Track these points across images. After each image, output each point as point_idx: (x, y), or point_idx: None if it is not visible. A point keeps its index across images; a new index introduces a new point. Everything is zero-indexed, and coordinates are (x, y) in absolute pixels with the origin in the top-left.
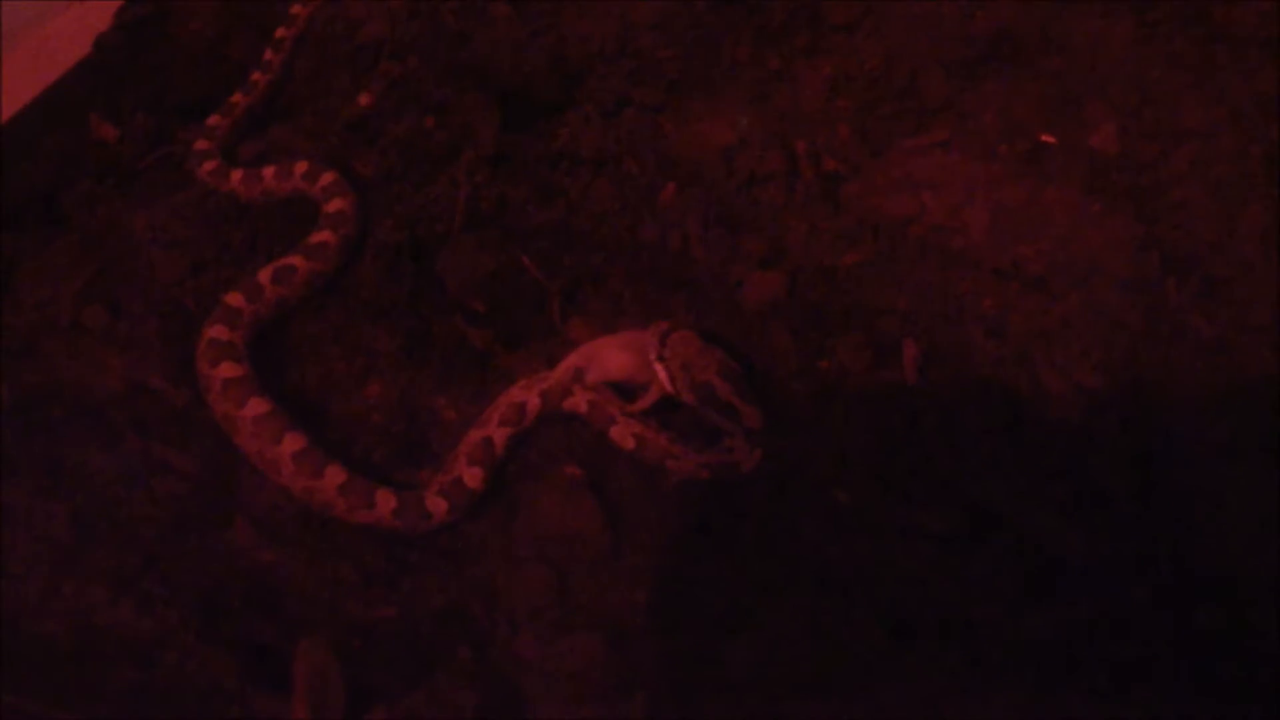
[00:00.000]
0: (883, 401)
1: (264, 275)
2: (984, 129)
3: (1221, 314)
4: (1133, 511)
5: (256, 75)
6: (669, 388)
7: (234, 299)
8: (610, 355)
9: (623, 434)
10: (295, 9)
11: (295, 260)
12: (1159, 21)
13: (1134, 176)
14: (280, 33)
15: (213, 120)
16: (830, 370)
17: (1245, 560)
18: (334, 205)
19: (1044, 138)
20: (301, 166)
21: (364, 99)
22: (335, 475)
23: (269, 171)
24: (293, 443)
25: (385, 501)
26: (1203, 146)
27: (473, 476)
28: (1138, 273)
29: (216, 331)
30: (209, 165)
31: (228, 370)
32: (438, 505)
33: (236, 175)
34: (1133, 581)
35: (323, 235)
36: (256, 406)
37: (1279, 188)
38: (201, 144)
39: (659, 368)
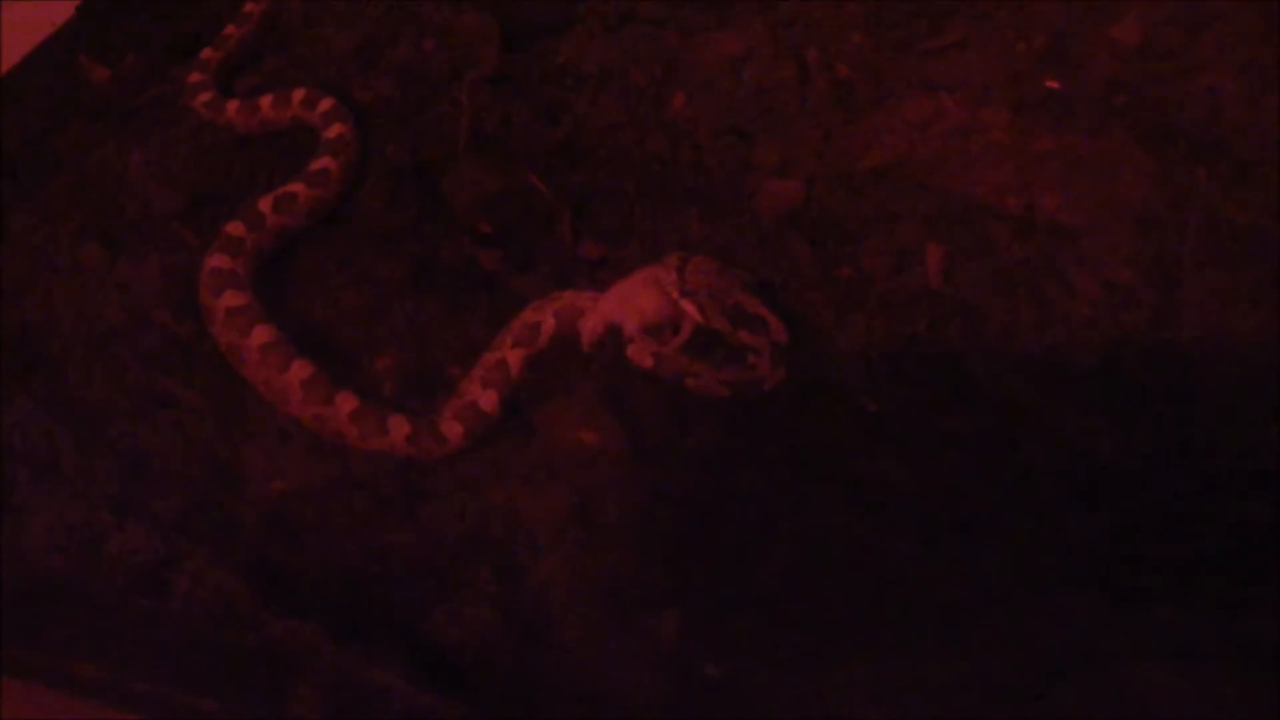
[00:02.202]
0: (907, 307)
1: (265, 204)
2: (1000, 27)
3: (1254, 200)
4: (1170, 408)
5: (250, 6)
6: (700, 318)
7: (235, 228)
8: (641, 300)
9: (640, 352)
10: None
11: (296, 188)
12: None
13: (1158, 64)
14: None
15: (206, 54)
16: (852, 278)
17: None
18: (334, 131)
19: (1049, 84)
20: (299, 94)
21: None
22: (346, 402)
23: (266, 101)
24: (301, 370)
25: (399, 427)
26: (1228, 30)
27: (488, 400)
28: (1165, 163)
29: (218, 261)
30: (204, 97)
31: (231, 299)
32: (453, 429)
33: (232, 106)
34: (1176, 479)
35: (323, 161)
36: (262, 335)
37: None
38: (195, 77)
39: (686, 303)
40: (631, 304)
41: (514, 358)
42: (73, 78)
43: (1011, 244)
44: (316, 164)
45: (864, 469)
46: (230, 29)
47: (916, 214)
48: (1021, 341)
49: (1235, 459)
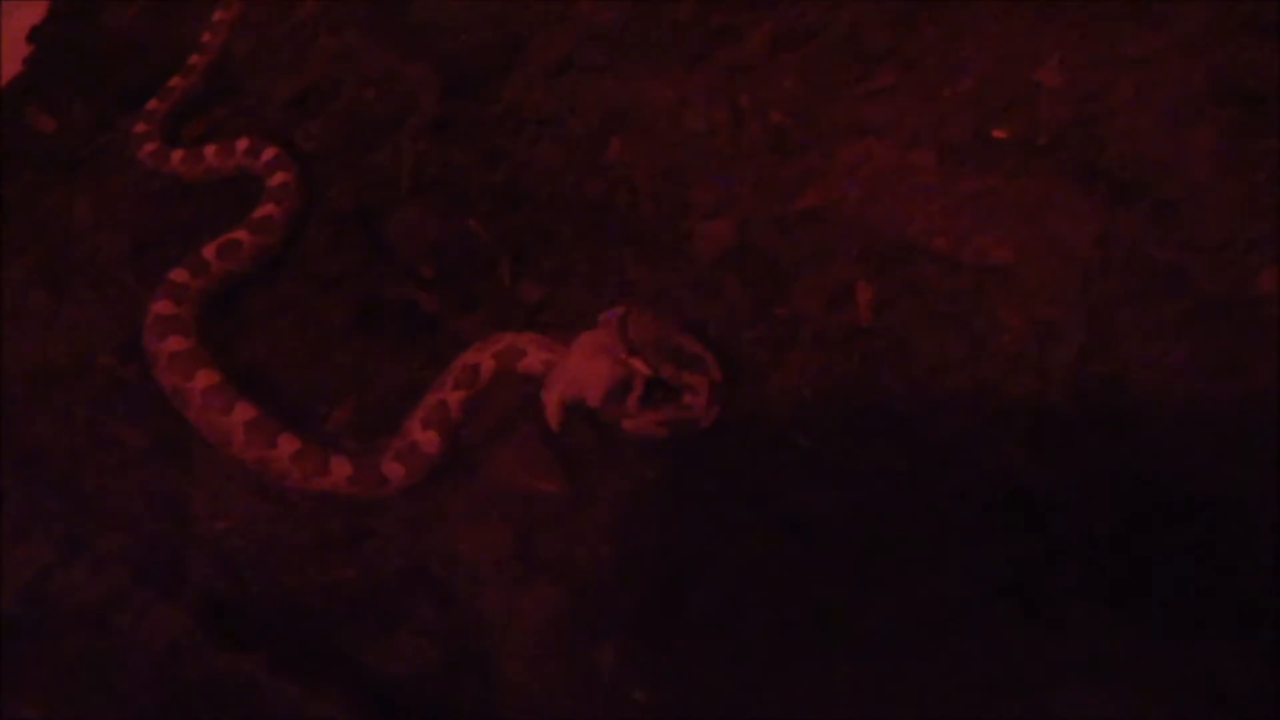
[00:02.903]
0: (839, 344)
1: (209, 250)
2: (928, 72)
3: (1173, 238)
4: (1096, 440)
5: (194, 58)
6: (650, 371)
7: (179, 275)
8: (595, 370)
9: None
10: None
11: (240, 234)
12: None
13: (1079, 107)
14: (218, 14)
15: (152, 104)
16: (785, 316)
17: (1209, 480)
18: (277, 179)
19: (996, 133)
20: (243, 143)
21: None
22: (289, 443)
23: (210, 150)
24: (244, 412)
25: (340, 468)
26: (1146, 74)
27: (429, 440)
28: (1088, 202)
29: (162, 306)
30: (149, 147)
31: (175, 344)
32: (394, 470)
33: (177, 155)
34: (1101, 508)
35: (267, 209)
36: (206, 378)
37: (1225, 111)
38: (141, 127)
39: (635, 361)
40: (588, 376)
41: (454, 399)
42: (21, 128)
43: (941, 282)
44: (260, 211)
45: (796, 503)
46: (175, 80)
47: (848, 254)
48: (951, 377)
49: (1157, 488)
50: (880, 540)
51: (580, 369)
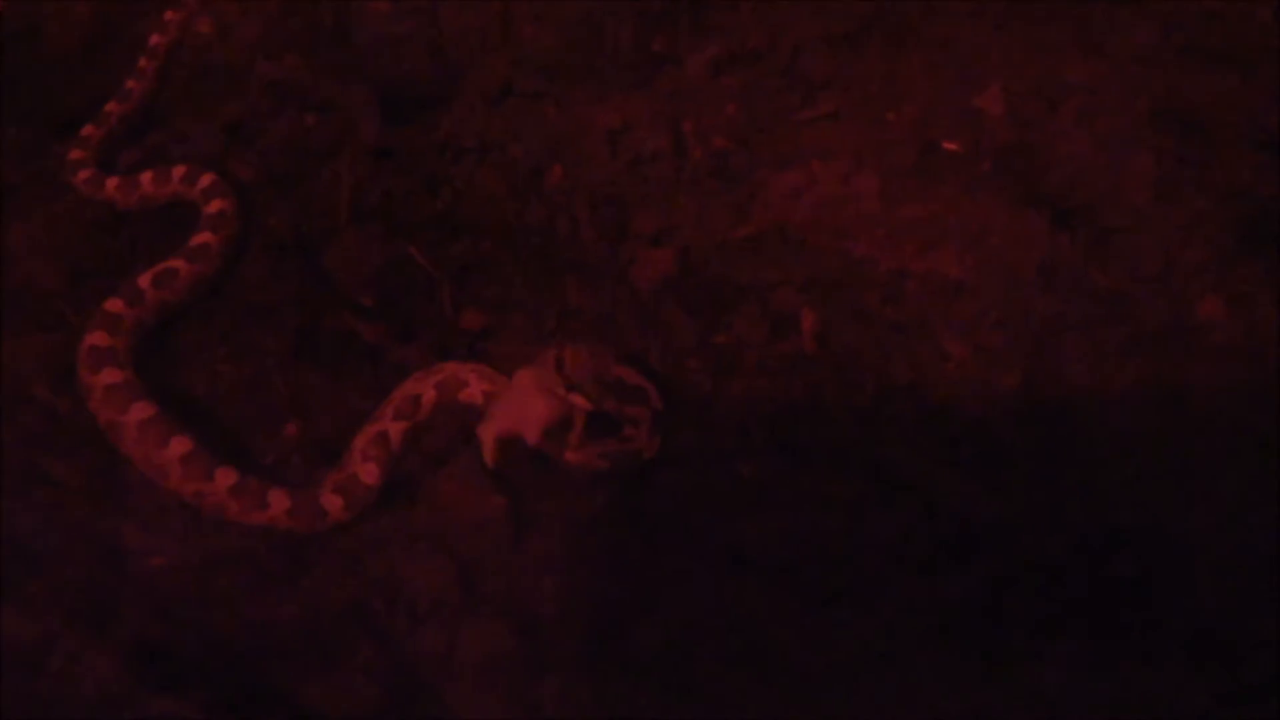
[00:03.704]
0: (782, 373)
1: (144, 280)
2: (870, 98)
3: (1115, 266)
4: (1040, 468)
5: (131, 83)
6: (590, 406)
7: (114, 305)
8: (534, 409)
9: None
10: (169, 15)
11: (177, 264)
12: None
13: (1021, 133)
14: (155, 39)
15: (87, 130)
16: (728, 344)
17: (1152, 508)
18: (214, 206)
19: (947, 145)
20: (180, 170)
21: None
22: (226, 477)
23: (146, 177)
24: (180, 445)
25: (279, 501)
26: (1087, 101)
27: (368, 472)
28: (1030, 230)
29: (97, 338)
30: (84, 174)
31: (109, 376)
32: (333, 503)
33: (112, 182)
34: (1044, 538)
35: (204, 237)
36: (141, 411)
37: (1166, 138)
38: (76, 154)
39: (575, 397)
40: (526, 414)
41: (395, 430)
42: None
43: (884, 308)
44: (197, 239)
45: (741, 534)
46: (112, 105)
47: (791, 280)
48: (895, 404)
49: (1100, 518)
50: (824, 572)
51: (518, 407)
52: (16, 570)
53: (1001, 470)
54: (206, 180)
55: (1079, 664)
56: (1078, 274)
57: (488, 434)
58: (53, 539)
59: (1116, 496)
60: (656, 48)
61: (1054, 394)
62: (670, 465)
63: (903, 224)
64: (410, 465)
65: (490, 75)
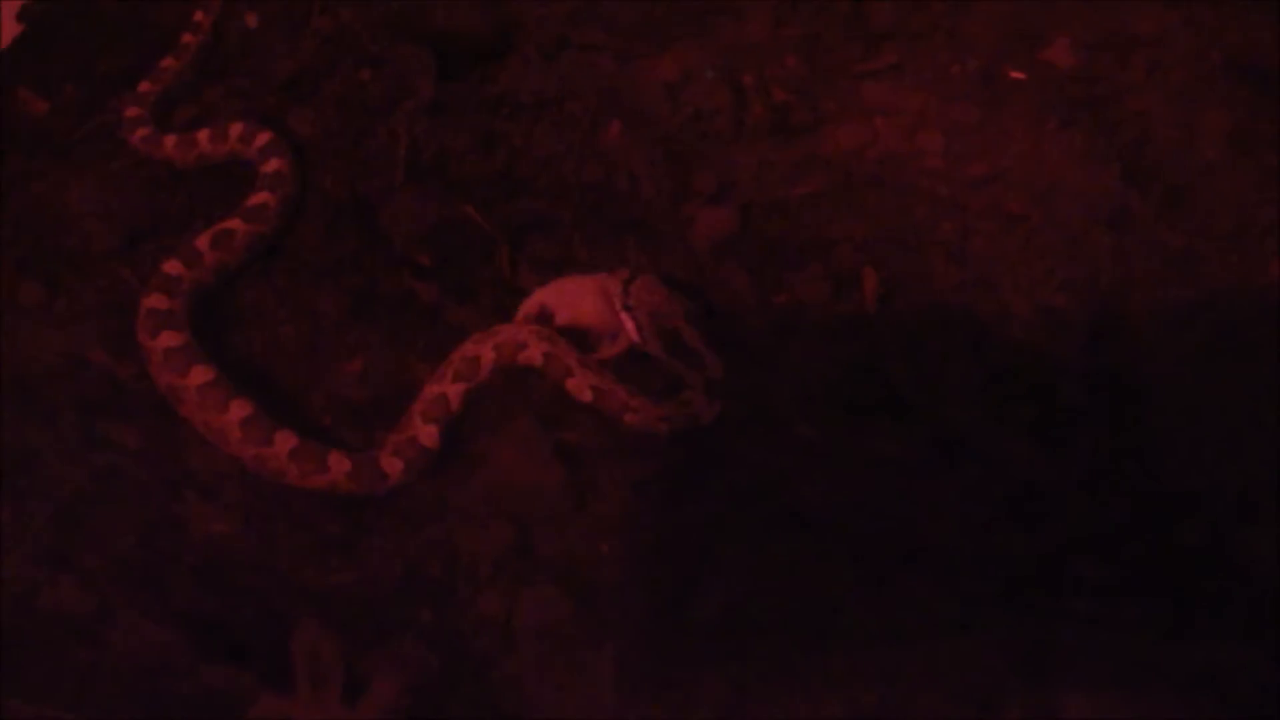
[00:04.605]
0: (843, 333)
1: (202, 241)
2: (934, 50)
3: (1186, 223)
4: (1104, 430)
5: (187, 37)
6: (635, 337)
7: (172, 266)
8: (582, 298)
9: (579, 386)
10: None
11: (234, 224)
12: None
13: (1089, 89)
14: None
15: (144, 87)
16: (788, 305)
17: (1220, 473)
18: (271, 165)
19: (1012, 74)
20: (237, 128)
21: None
22: (286, 440)
23: (203, 135)
24: (240, 409)
25: (339, 464)
26: (1158, 53)
27: (428, 435)
28: (1099, 187)
29: (155, 301)
30: (142, 132)
31: (168, 339)
32: (393, 465)
33: (170, 141)
34: (1108, 501)
35: (261, 196)
36: (200, 374)
37: (1240, 89)
38: (133, 111)
39: (625, 317)
40: (571, 299)
41: (454, 392)
42: (12, 110)
43: (947, 269)
44: (255, 199)
45: (801, 496)
46: (168, 61)
47: (852, 240)
48: (957, 366)
49: (1166, 482)
50: (884, 534)
51: (577, 293)
52: (75, 540)
53: (1065, 432)
54: (263, 138)
55: (1144, 632)
56: (1147, 231)
57: (532, 298)
58: (113, 505)
59: (1184, 461)
60: None
61: (1120, 356)
62: (729, 426)
63: (967, 181)
64: (468, 427)
65: (547, 26)
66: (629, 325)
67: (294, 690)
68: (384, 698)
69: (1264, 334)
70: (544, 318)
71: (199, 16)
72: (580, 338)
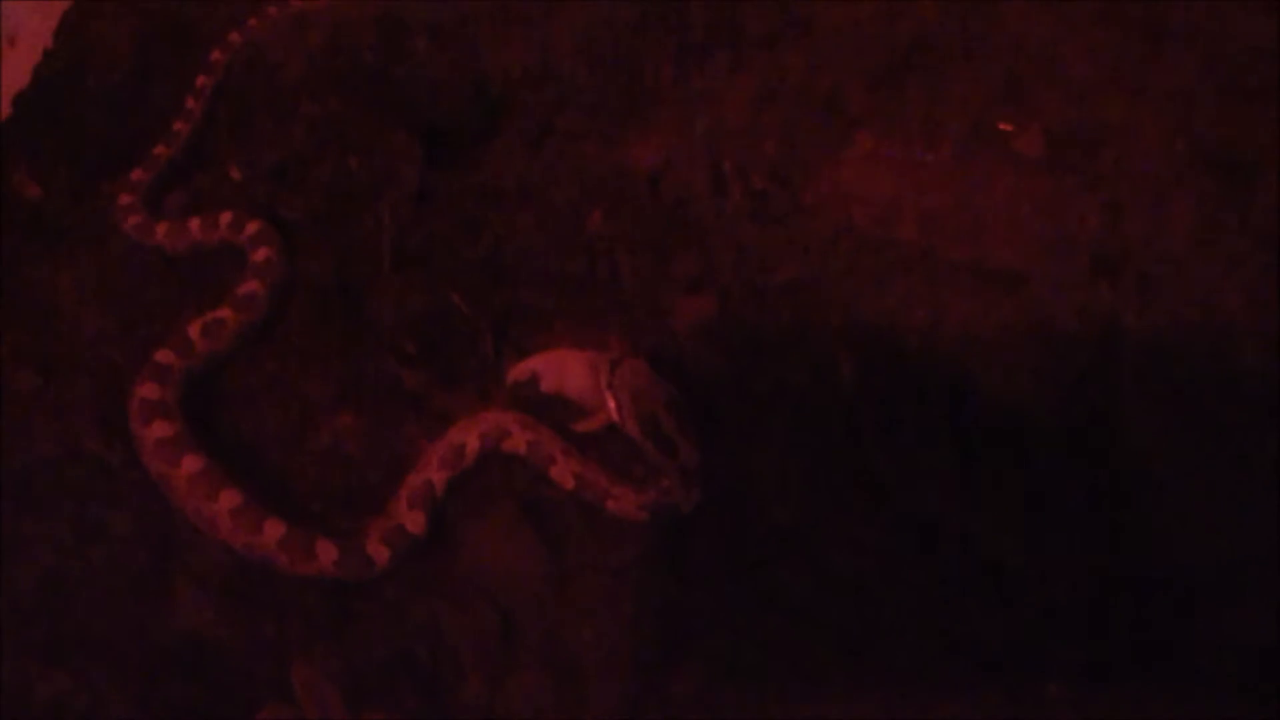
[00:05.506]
0: (820, 417)
1: (193, 329)
2: (909, 136)
3: (1154, 311)
4: (1076, 512)
5: (179, 124)
6: (615, 417)
7: (164, 356)
8: (570, 369)
9: (562, 473)
10: (215, 55)
11: (224, 313)
12: (1077, 17)
13: (1060, 179)
14: (201, 80)
15: (136, 174)
16: (766, 388)
17: (1192, 554)
18: (261, 254)
19: (1001, 125)
20: (227, 216)
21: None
22: (274, 529)
23: (194, 223)
24: (230, 499)
25: (326, 552)
26: (1127, 144)
27: (414, 521)
28: (1069, 274)
29: (147, 390)
30: (134, 219)
31: (160, 429)
32: (380, 552)
33: (162, 228)
34: (1081, 582)
35: (251, 285)
36: (191, 464)
37: (1206, 180)
38: (125, 198)
39: (608, 395)
40: (560, 370)
41: (439, 478)
42: (4, 193)
43: (922, 352)
44: (244, 288)
45: (778, 579)
46: (160, 148)
47: (829, 325)
48: (932, 449)
49: (1141, 562)
50: (860, 616)
51: (567, 363)
52: (68, 631)
53: (1039, 514)
54: (253, 227)
55: (1115, 711)
56: (1116, 320)
57: (524, 364)
58: (104, 596)
59: (1158, 541)
60: (696, 84)
61: (1094, 439)
62: (708, 510)
63: (939, 270)
64: (454, 513)
65: (530, 114)
66: (610, 404)
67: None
68: None
69: (1236, 419)
70: (532, 383)
71: (190, 103)
72: (563, 407)
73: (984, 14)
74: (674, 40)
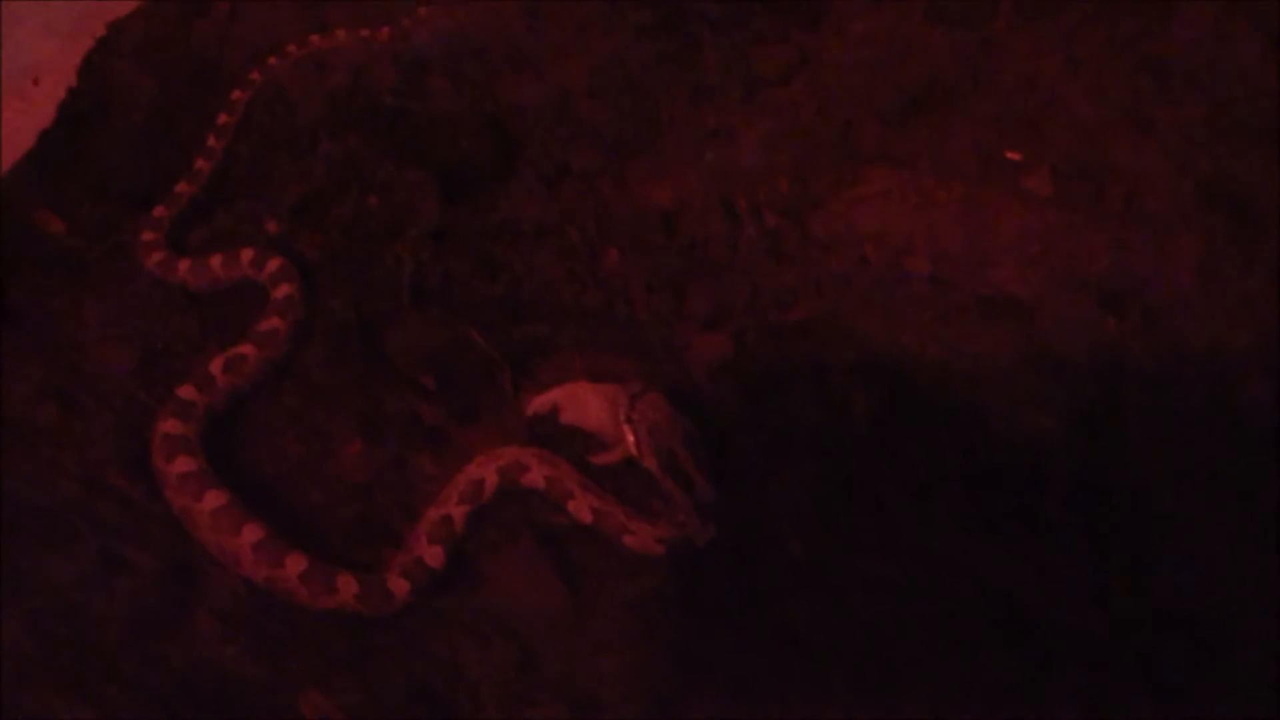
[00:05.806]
0: (835, 453)
1: (215, 365)
2: (920, 174)
3: (1161, 347)
4: (1088, 548)
5: (201, 163)
6: (632, 450)
7: (186, 391)
8: (590, 402)
9: (580, 508)
10: (236, 94)
11: (246, 349)
12: (1085, 57)
13: (1068, 216)
14: (223, 118)
15: (158, 211)
16: (781, 425)
17: (1203, 590)
18: (281, 291)
19: (1009, 154)
20: (248, 253)
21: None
22: (296, 563)
23: (216, 260)
24: (252, 533)
25: (347, 586)
26: (1135, 183)
27: (433, 555)
28: (1077, 309)
29: (170, 425)
30: (156, 256)
31: (183, 464)
32: (400, 586)
33: (184, 265)
34: (1091, 616)
35: (272, 322)
36: (214, 499)
37: (1213, 218)
38: (148, 235)
39: (626, 429)
40: (580, 403)
41: (459, 513)
42: (29, 229)
43: (934, 389)
44: (265, 324)
45: (792, 613)
46: (182, 186)
47: (844, 362)
48: (945, 484)
49: (1151, 598)
50: (872, 650)
51: (587, 396)
52: (94, 667)
53: (1051, 550)
54: (274, 265)
55: None
56: (1124, 356)
57: (545, 395)
58: (128, 631)
59: (1167, 578)
60: (710, 123)
61: (1105, 475)
62: (723, 544)
63: (953, 305)
64: (472, 547)
65: (548, 153)
66: (629, 437)
67: None
68: None
69: (1241, 455)
70: (552, 416)
71: (212, 141)
72: (582, 439)
73: (993, 54)
74: (687, 79)
